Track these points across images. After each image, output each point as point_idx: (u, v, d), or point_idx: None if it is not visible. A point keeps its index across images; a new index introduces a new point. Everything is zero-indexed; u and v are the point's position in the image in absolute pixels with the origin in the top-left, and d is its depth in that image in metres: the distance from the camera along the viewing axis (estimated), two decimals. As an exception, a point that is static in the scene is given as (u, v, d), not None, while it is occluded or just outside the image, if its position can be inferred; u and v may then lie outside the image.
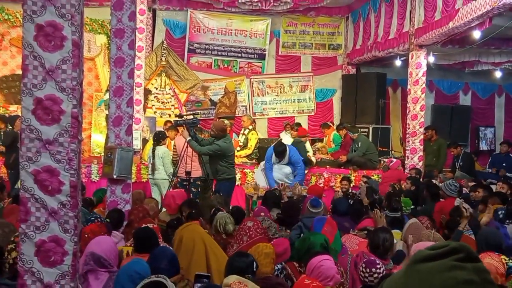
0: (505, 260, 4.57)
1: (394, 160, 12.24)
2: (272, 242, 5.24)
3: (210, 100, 15.95)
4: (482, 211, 7.80)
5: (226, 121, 12.43)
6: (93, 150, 14.28)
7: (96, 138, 14.34)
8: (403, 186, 9.96)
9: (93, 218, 5.64)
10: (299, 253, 4.53)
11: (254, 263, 4.00)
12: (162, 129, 12.19)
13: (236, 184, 10.93)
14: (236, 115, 15.22)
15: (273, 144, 11.21)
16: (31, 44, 3.44)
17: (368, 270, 4.15)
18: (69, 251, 3.50)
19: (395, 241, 5.85)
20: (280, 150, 10.18)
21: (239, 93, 15.91)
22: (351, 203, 7.82)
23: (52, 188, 3.46)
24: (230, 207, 7.81)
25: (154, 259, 4.01)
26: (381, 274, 4.13)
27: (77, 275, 3.61)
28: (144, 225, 5.41)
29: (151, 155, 10.73)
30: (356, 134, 12.80)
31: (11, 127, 11.48)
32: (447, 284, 1.12)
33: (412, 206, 8.52)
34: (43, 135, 3.45)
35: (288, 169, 10.27)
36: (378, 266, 4.19)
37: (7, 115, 13.00)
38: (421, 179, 11.05)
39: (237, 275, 3.78)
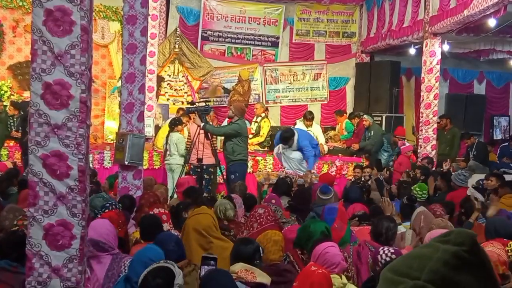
0: None
1: (407, 143, 12.16)
2: (285, 228, 5.26)
3: (224, 88, 15.93)
4: (493, 200, 7.77)
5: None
6: (106, 137, 14.33)
7: (110, 125, 14.39)
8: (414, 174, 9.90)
9: (108, 205, 5.67)
10: (301, 241, 4.53)
11: (260, 248, 4.00)
12: (175, 116, 12.23)
13: (248, 171, 10.99)
14: (249, 103, 15.19)
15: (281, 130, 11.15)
16: (40, 29, 3.45)
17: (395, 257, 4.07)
18: (77, 235, 3.52)
19: (404, 230, 5.86)
20: (286, 136, 10.12)
21: (252, 80, 15.88)
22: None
23: (61, 172, 3.48)
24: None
25: (161, 243, 4.02)
26: None
27: (85, 258, 3.64)
28: (152, 211, 5.45)
29: (165, 141, 10.84)
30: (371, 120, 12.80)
31: (22, 113, 11.55)
32: (406, 256, 1.17)
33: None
34: (51, 120, 3.47)
35: (298, 155, 10.18)
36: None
37: (22, 101, 13.07)
38: (433, 168, 11.01)
39: (244, 262, 3.79)
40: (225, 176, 10.17)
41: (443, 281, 1.08)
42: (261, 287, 3.72)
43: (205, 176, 10.05)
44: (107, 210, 5.37)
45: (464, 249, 1.11)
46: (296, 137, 10.09)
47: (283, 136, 10.15)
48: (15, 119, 11.81)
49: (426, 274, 1.08)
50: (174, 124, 11.04)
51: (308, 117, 12.49)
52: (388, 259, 4.06)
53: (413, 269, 1.10)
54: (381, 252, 4.19)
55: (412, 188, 8.22)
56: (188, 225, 4.86)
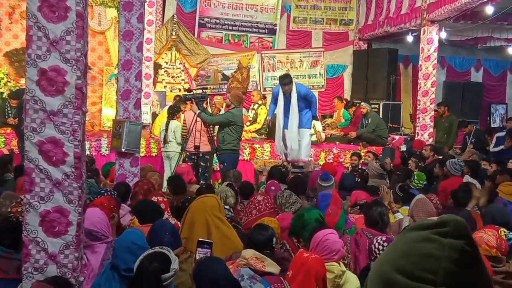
0: (504, 232, 4.56)
1: (397, 137, 12.18)
2: (277, 216, 5.25)
3: (223, 74, 15.87)
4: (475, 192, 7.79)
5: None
6: (103, 124, 14.30)
7: (107, 112, 14.34)
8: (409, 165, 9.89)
9: (103, 192, 5.67)
10: (295, 229, 4.53)
11: (274, 238, 3.97)
12: (173, 103, 12.20)
13: (245, 159, 11.01)
14: (247, 91, 15.17)
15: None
16: (35, 15, 3.42)
17: None
18: (73, 222, 3.52)
19: (401, 217, 5.88)
20: (286, 81, 9.96)
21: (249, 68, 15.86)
22: (358, 181, 7.83)
23: (56, 159, 3.47)
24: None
25: (155, 233, 4.01)
26: None
27: (81, 245, 3.64)
28: (151, 198, 5.45)
29: (164, 128, 10.78)
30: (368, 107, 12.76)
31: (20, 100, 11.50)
32: (408, 253, 1.10)
33: (425, 183, 8.48)
34: (47, 106, 3.45)
35: (295, 132, 10.10)
36: None
37: (18, 88, 13.02)
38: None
39: (255, 250, 3.79)
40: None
41: (461, 282, 1.06)
42: (269, 275, 3.71)
43: (201, 163, 10.02)
44: (99, 196, 5.38)
45: (467, 242, 1.09)
46: (294, 84, 9.99)
47: (283, 77, 10.06)
48: (12, 106, 11.77)
49: (443, 278, 1.05)
50: (176, 112, 11.02)
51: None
52: (381, 247, 4.09)
53: (426, 271, 1.06)
54: (375, 242, 4.21)
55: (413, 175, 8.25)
56: (192, 206, 4.88)
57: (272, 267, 3.73)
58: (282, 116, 10.05)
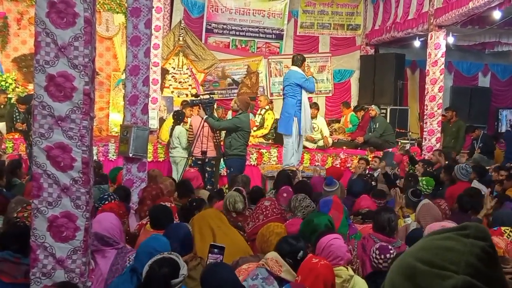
0: (508, 230, 4.56)
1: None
2: (286, 222, 5.25)
3: (233, 80, 15.87)
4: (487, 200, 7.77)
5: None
6: (111, 129, 14.35)
7: (114, 118, 14.40)
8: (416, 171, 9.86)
9: (106, 196, 5.68)
10: (304, 235, 4.50)
11: (301, 252, 3.90)
12: (179, 108, 12.23)
13: (252, 164, 11.01)
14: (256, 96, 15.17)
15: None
16: (44, 21, 3.44)
17: (382, 256, 4.11)
18: (81, 227, 3.53)
19: (409, 222, 5.86)
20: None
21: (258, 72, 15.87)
22: (374, 184, 7.81)
23: (64, 164, 3.49)
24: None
25: (168, 238, 4.02)
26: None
27: (89, 250, 3.65)
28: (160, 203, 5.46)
29: (170, 134, 10.86)
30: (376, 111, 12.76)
31: (28, 106, 11.54)
32: (430, 248, 1.13)
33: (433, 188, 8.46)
34: (55, 112, 3.47)
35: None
36: (391, 251, 4.16)
37: (26, 93, 13.08)
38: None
39: (278, 254, 3.79)
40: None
41: (482, 275, 1.07)
42: (284, 282, 3.70)
43: (207, 168, 10.05)
44: (106, 202, 5.38)
45: (488, 244, 1.11)
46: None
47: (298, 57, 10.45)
48: (20, 112, 11.81)
49: (465, 269, 1.07)
50: (180, 117, 11.05)
51: (313, 107, 12.47)
52: (374, 255, 4.12)
53: (447, 261, 1.08)
54: (373, 248, 4.25)
55: (419, 181, 8.21)
56: (193, 219, 4.88)
57: (289, 274, 3.70)
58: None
